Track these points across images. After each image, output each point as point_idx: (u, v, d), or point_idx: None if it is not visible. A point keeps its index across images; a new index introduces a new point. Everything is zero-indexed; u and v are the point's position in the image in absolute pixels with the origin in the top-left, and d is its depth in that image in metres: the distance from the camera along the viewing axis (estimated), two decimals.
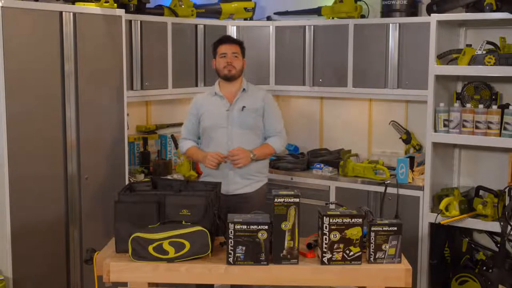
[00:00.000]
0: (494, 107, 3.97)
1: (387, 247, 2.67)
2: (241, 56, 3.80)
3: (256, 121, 3.77)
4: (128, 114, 4.05)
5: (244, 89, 3.79)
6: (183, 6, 4.63)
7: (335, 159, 4.76)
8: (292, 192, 2.67)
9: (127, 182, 3.92)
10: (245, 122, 3.73)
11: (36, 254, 3.51)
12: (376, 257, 2.68)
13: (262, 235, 2.62)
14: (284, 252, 2.66)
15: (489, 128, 3.92)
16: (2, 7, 3.23)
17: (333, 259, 2.65)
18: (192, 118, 3.84)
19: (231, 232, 2.61)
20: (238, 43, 3.84)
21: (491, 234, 4.19)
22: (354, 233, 2.64)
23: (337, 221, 2.63)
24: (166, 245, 2.63)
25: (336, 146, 5.07)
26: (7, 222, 3.35)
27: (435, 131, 4.10)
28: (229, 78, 3.74)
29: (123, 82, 3.94)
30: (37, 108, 3.47)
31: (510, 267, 3.99)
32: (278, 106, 3.95)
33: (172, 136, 4.77)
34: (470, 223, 4.02)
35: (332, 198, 4.55)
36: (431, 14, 4.10)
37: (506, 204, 3.87)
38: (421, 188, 4.21)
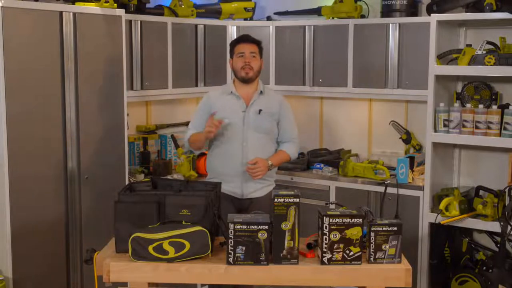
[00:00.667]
0: (494, 107, 3.97)
1: (387, 247, 2.67)
2: (259, 56, 3.70)
3: (272, 126, 3.68)
4: (128, 114, 4.04)
5: (261, 92, 3.68)
6: (183, 6, 4.63)
7: (335, 159, 4.76)
8: (292, 192, 2.67)
9: (127, 182, 3.92)
10: (261, 125, 3.63)
11: (36, 254, 3.51)
12: (376, 257, 2.68)
13: (262, 235, 2.62)
14: (284, 252, 2.66)
15: (489, 128, 3.92)
16: (2, 7, 3.23)
17: (333, 259, 2.65)
18: (202, 115, 3.67)
19: (231, 232, 2.61)
20: (257, 42, 3.72)
21: (491, 234, 4.19)
22: (354, 233, 2.64)
23: (337, 221, 2.63)
24: (166, 245, 2.63)
25: (336, 146, 5.08)
26: (7, 222, 3.35)
27: (435, 131, 4.10)
28: (246, 80, 3.63)
29: (123, 82, 3.94)
30: (37, 108, 3.47)
31: (510, 267, 3.99)
32: (292, 111, 3.85)
33: (172, 136, 4.77)
34: (470, 223, 4.02)
35: (332, 198, 4.55)
36: (431, 14, 4.10)
37: (506, 204, 3.87)
38: (421, 188, 4.21)
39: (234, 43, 3.72)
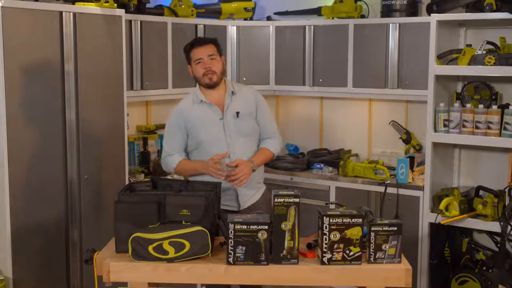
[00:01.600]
0: (494, 107, 3.97)
1: (387, 247, 2.67)
2: (219, 55, 3.40)
3: (254, 126, 3.45)
4: (128, 114, 4.05)
5: (232, 92, 3.42)
6: (183, 6, 4.63)
7: (335, 159, 4.76)
8: (292, 192, 2.66)
9: (127, 182, 3.92)
10: (243, 128, 3.39)
11: (36, 254, 3.51)
12: (376, 257, 2.68)
13: (262, 235, 2.62)
14: (284, 252, 2.65)
15: (489, 128, 3.92)
16: (2, 7, 3.23)
17: (333, 259, 2.65)
18: (177, 132, 3.40)
19: (231, 232, 2.61)
20: (213, 41, 3.43)
21: (491, 234, 4.19)
22: (354, 233, 2.64)
23: (337, 221, 2.63)
24: (166, 245, 2.63)
25: (336, 146, 5.08)
26: (7, 222, 3.35)
27: (435, 131, 4.10)
28: (212, 86, 3.37)
29: (123, 82, 3.94)
30: (37, 108, 3.47)
31: (510, 267, 3.99)
32: (267, 104, 3.59)
33: None
34: (470, 223, 4.02)
35: (332, 198, 4.55)
36: (431, 14, 4.10)
37: (506, 204, 3.87)
38: (421, 188, 4.21)
39: (189, 49, 3.42)
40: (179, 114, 3.43)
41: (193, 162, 3.41)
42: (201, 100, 3.40)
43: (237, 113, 3.38)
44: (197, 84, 3.48)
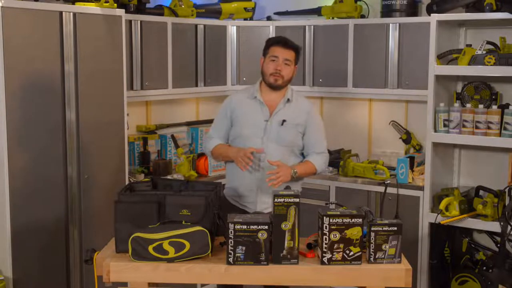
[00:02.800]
0: (494, 107, 3.97)
1: (387, 247, 2.67)
2: (294, 63, 3.36)
3: (295, 138, 3.37)
4: (128, 114, 4.04)
5: (288, 99, 3.37)
6: (183, 6, 4.63)
7: (335, 159, 4.76)
8: (292, 192, 2.67)
9: (127, 182, 3.92)
10: (283, 137, 3.33)
11: (36, 254, 3.51)
12: (376, 257, 2.68)
13: (262, 235, 2.62)
14: (284, 252, 2.65)
15: (489, 128, 3.92)
16: (2, 7, 3.23)
17: (333, 259, 2.65)
18: (223, 119, 3.43)
19: (231, 232, 2.61)
20: (295, 49, 3.37)
21: (491, 234, 4.19)
22: (354, 233, 2.64)
23: (337, 221, 2.63)
24: (166, 245, 2.63)
25: (336, 146, 5.07)
26: (7, 222, 3.35)
27: (435, 131, 4.10)
28: (274, 87, 3.34)
29: (123, 82, 3.94)
30: (37, 108, 3.47)
31: (510, 267, 3.99)
32: (321, 120, 3.55)
33: (172, 136, 4.77)
34: (470, 223, 4.02)
35: (332, 198, 4.55)
36: (431, 14, 4.10)
37: (506, 204, 3.87)
38: (421, 188, 4.21)
39: (271, 43, 3.39)
40: (229, 102, 3.45)
41: (228, 147, 3.39)
42: (255, 97, 3.38)
43: (283, 121, 3.33)
44: (258, 82, 3.45)
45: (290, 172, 3.27)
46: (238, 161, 3.23)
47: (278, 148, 3.32)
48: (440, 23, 4.04)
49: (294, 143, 3.39)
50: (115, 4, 3.84)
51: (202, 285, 4.32)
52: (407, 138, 4.70)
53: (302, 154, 3.48)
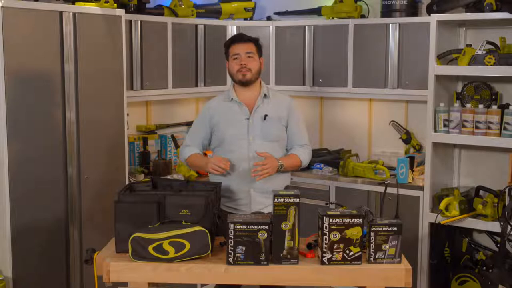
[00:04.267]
0: (494, 107, 3.97)
1: (387, 247, 2.67)
2: (258, 55, 3.37)
3: (280, 132, 3.36)
4: (128, 114, 4.04)
5: (265, 95, 3.37)
6: (183, 6, 4.63)
7: (335, 159, 4.76)
8: (292, 192, 2.66)
9: (127, 182, 3.92)
10: (268, 132, 3.31)
11: (36, 254, 3.51)
12: (376, 257, 2.68)
13: (262, 235, 2.62)
14: (284, 252, 2.65)
15: (489, 128, 3.92)
16: (2, 7, 3.23)
17: (333, 259, 2.65)
18: (201, 127, 3.42)
19: (231, 232, 2.61)
20: (253, 40, 3.40)
21: (491, 234, 4.19)
22: (354, 233, 2.64)
23: (337, 221, 2.63)
24: (166, 245, 2.63)
25: (336, 146, 5.08)
26: (7, 222, 3.35)
27: (435, 131, 4.10)
28: (244, 83, 3.34)
29: (123, 82, 3.94)
30: (37, 108, 3.47)
31: (510, 267, 3.99)
32: (302, 114, 3.53)
33: (172, 136, 4.77)
34: (470, 223, 4.02)
35: (332, 198, 4.55)
36: (431, 14, 4.10)
37: (506, 204, 3.87)
38: (421, 188, 4.21)
39: (228, 44, 3.41)
40: (207, 109, 3.44)
41: (201, 159, 3.39)
42: (232, 98, 3.38)
43: (265, 115, 3.33)
44: (231, 83, 3.47)
45: (276, 164, 3.25)
46: (210, 168, 3.23)
47: (265, 144, 3.30)
48: (440, 23, 4.04)
49: (280, 137, 3.37)
50: (115, 4, 3.85)
51: (202, 285, 4.32)
52: (407, 138, 4.70)
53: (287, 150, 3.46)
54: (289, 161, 3.35)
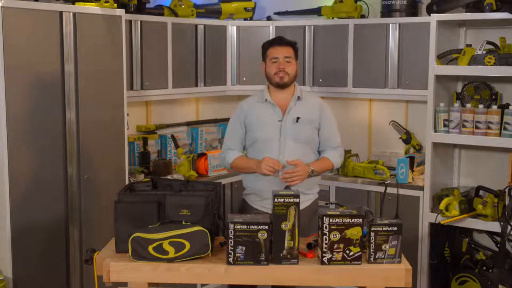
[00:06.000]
0: (494, 107, 3.98)
1: (387, 247, 2.67)
2: (295, 58, 3.42)
3: (312, 134, 3.40)
4: (128, 114, 4.04)
5: (298, 97, 3.41)
6: (183, 6, 4.63)
7: None
8: (292, 192, 2.67)
9: (127, 182, 3.92)
10: (300, 134, 3.35)
11: (36, 254, 3.51)
12: (376, 257, 2.68)
13: (262, 235, 2.62)
14: (284, 252, 2.65)
15: (489, 128, 3.92)
16: (2, 7, 3.23)
17: (333, 259, 2.65)
18: (238, 126, 3.45)
19: (231, 232, 2.61)
20: (292, 45, 3.44)
21: (491, 234, 4.19)
22: (354, 233, 2.64)
23: (337, 221, 2.63)
24: (166, 245, 2.63)
25: None
26: (7, 222, 3.35)
27: (435, 131, 4.11)
28: (281, 86, 3.38)
29: (123, 82, 3.94)
30: (37, 108, 3.47)
31: (510, 267, 3.99)
32: (333, 115, 3.54)
33: (172, 136, 4.77)
34: (470, 223, 4.02)
35: (332, 198, 4.55)
36: (431, 14, 4.10)
37: (506, 204, 3.87)
38: (421, 188, 4.21)
39: (267, 46, 3.44)
40: (240, 110, 3.48)
41: (248, 161, 3.41)
42: (266, 99, 3.41)
43: (297, 118, 3.36)
44: (265, 85, 3.49)
45: (307, 170, 3.28)
46: (264, 170, 3.25)
47: (296, 146, 3.34)
48: (440, 23, 4.04)
49: (312, 139, 3.42)
50: (115, 4, 3.84)
51: (202, 285, 4.32)
52: (407, 138, 4.70)
53: (319, 152, 3.50)
54: (320, 165, 3.39)
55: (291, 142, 3.35)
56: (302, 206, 3.23)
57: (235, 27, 4.94)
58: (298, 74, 3.48)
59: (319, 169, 3.38)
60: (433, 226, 4.14)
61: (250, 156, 3.45)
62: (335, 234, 2.63)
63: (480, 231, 4.30)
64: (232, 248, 2.62)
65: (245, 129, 3.45)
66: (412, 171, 4.36)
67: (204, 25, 4.73)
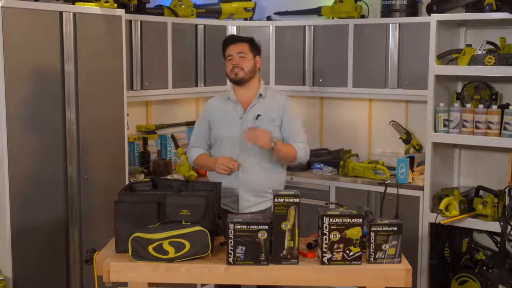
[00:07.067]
0: (494, 107, 3.97)
1: (387, 247, 2.67)
2: (252, 54, 3.40)
3: (273, 132, 3.30)
4: (128, 114, 4.04)
5: (260, 95, 3.40)
6: (183, 6, 4.63)
7: (335, 159, 4.76)
8: (292, 192, 2.66)
9: (127, 182, 3.92)
10: None
11: (36, 254, 3.51)
12: (376, 257, 2.68)
13: (262, 235, 2.62)
14: (284, 252, 2.65)
15: (489, 128, 3.92)
16: (2, 7, 3.23)
17: (333, 259, 2.65)
18: (202, 124, 3.50)
19: (231, 232, 2.61)
20: (245, 40, 3.44)
21: (491, 234, 4.19)
22: (354, 233, 2.64)
23: (337, 221, 2.63)
24: (166, 245, 2.63)
25: (336, 146, 5.07)
26: (7, 222, 3.35)
27: (435, 131, 4.10)
28: (237, 82, 3.37)
29: (123, 82, 3.94)
30: (37, 108, 3.47)
31: (510, 267, 3.99)
32: (299, 114, 3.50)
33: (172, 136, 4.77)
34: (470, 223, 4.02)
35: (332, 198, 4.55)
36: (431, 14, 4.10)
37: (506, 204, 3.87)
38: (421, 188, 4.21)
39: (224, 46, 3.46)
40: (206, 107, 3.54)
41: (208, 159, 3.46)
42: (229, 98, 3.44)
43: (258, 115, 3.36)
44: (231, 85, 3.50)
45: (269, 137, 3.19)
46: (218, 169, 3.30)
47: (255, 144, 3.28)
48: (440, 23, 4.04)
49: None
50: (115, 4, 3.85)
51: (202, 285, 4.32)
52: (407, 138, 4.70)
53: None
54: (284, 145, 3.32)
55: None
56: (266, 206, 3.37)
57: (235, 27, 4.94)
58: (258, 70, 3.44)
59: (281, 146, 3.27)
60: (433, 226, 4.14)
61: (214, 154, 3.46)
62: (335, 234, 2.63)
63: (480, 231, 4.30)
64: (232, 248, 2.62)
65: (209, 128, 3.47)
66: (412, 171, 4.35)
67: (204, 25, 4.73)
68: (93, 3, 3.75)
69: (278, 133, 3.37)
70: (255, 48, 3.46)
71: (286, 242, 2.65)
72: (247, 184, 3.34)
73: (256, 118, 3.35)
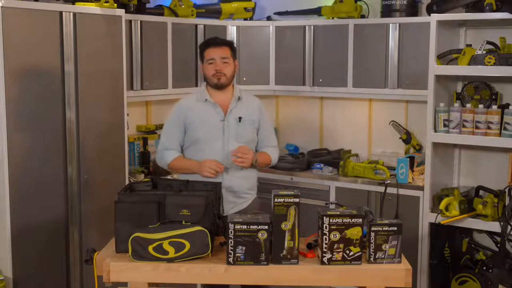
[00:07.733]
0: (494, 107, 3.97)
1: (387, 247, 2.67)
2: (232, 59, 3.40)
3: (253, 134, 3.44)
4: (128, 114, 4.05)
5: (239, 97, 3.42)
6: (183, 6, 4.63)
7: (335, 159, 4.76)
8: (292, 192, 2.66)
9: (127, 182, 3.92)
10: (243, 134, 3.38)
11: (36, 254, 3.51)
12: (376, 257, 2.67)
13: (262, 235, 2.62)
14: (284, 252, 2.65)
15: (489, 128, 3.92)
16: (2, 7, 3.24)
17: (333, 259, 2.65)
18: (176, 126, 3.41)
19: (231, 232, 2.61)
20: (228, 44, 3.43)
21: (491, 234, 4.19)
22: (354, 233, 2.64)
23: (337, 221, 2.63)
24: (166, 245, 2.63)
25: (336, 146, 5.08)
26: (7, 222, 3.35)
27: (435, 131, 4.10)
28: (219, 87, 3.38)
29: (123, 82, 3.94)
30: (37, 108, 3.48)
31: (510, 267, 3.99)
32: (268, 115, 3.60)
33: None
34: (470, 223, 4.02)
35: (332, 198, 4.55)
36: (431, 14, 4.10)
37: (506, 204, 3.87)
38: (421, 188, 4.21)
39: (203, 47, 3.41)
40: (179, 110, 3.45)
41: (189, 162, 3.40)
42: (206, 99, 3.40)
43: (240, 118, 3.38)
44: (204, 84, 3.49)
45: (253, 157, 3.34)
46: (205, 173, 3.28)
47: (238, 145, 3.34)
48: (440, 23, 4.04)
49: (253, 139, 3.45)
50: (115, 4, 3.85)
51: (202, 285, 4.32)
52: (407, 138, 4.70)
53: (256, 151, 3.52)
54: (262, 157, 3.45)
55: (233, 141, 3.35)
56: (245, 205, 3.42)
57: (235, 27, 4.94)
58: (236, 74, 3.47)
59: (261, 161, 3.43)
60: (433, 226, 4.14)
61: (189, 156, 3.41)
62: (335, 234, 2.63)
63: (480, 231, 4.30)
64: (232, 248, 2.62)
65: (185, 129, 3.41)
66: (412, 171, 4.35)
67: (204, 25, 4.73)
68: (93, 3, 3.75)
69: (255, 135, 3.47)
70: (234, 52, 3.46)
71: (286, 242, 2.65)
72: (229, 186, 3.36)
73: (239, 121, 3.38)
